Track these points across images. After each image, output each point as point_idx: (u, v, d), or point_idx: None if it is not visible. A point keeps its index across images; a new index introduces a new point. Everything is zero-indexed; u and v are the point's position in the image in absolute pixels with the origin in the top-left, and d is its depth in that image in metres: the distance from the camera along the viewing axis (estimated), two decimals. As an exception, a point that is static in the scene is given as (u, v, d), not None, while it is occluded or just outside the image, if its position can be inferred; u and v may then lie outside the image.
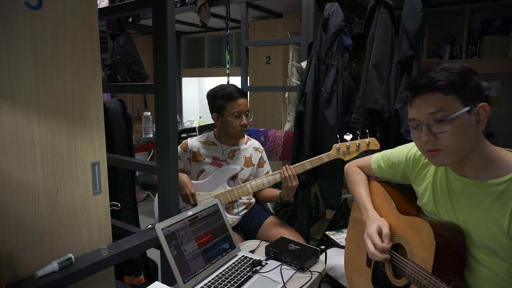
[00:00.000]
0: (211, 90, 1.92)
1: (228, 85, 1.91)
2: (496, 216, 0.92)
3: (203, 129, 2.29)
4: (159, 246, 1.26)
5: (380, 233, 1.13)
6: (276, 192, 1.92)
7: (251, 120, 1.91)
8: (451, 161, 0.98)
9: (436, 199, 1.08)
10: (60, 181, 1.16)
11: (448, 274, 0.95)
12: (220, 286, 1.14)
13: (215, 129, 2.01)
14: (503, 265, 0.93)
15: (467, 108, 0.92)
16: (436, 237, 0.96)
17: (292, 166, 1.78)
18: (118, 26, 3.09)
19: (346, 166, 1.45)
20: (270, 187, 1.92)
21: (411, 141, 1.13)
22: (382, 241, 1.11)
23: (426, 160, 1.12)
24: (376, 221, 1.17)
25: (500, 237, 0.91)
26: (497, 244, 0.92)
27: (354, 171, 1.39)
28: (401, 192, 1.26)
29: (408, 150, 1.20)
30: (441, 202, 1.06)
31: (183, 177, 1.80)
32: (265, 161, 2.05)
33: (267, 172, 2.02)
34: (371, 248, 1.11)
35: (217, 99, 1.86)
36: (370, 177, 1.37)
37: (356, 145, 1.76)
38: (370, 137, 1.77)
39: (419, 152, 1.15)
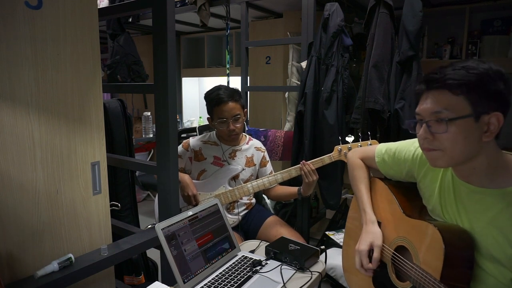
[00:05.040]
0: (205, 93, 1.92)
1: (219, 87, 1.88)
2: (503, 225, 0.90)
3: (203, 129, 2.29)
4: (159, 246, 1.26)
5: (370, 251, 1.14)
6: (293, 189, 1.91)
7: (238, 125, 1.84)
8: (447, 164, 0.97)
9: (443, 203, 1.06)
10: (60, 181, 1.16)
11: (456, 281, 0.94)
12: (220, 286, 1.14)
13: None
14: (506, 274, 0.91)
15: (473, 114, 0.87)
16: (446, 244, 0.93)
17: (310, 161, 1.79)
18: (118, 26, 3.09)
19: (350, 154, 1.41)
20: (282, 183, 1.92)
21: (414, 136, 1.11)
22: (370, 262, 1.13)
23: None
24: (370, 236, 1.17)
25: (505, 247, 0.90)
26: (502, 252, 0.90)
27: (356, 165, 1.35)
28: (405, 193, 1.23)
29: (415, 148, 1.16)
30: (448, 207, 1.04)
31: (185, 177, 1.80)
32: (268, 161, 2.04)
33: (271, 172, 2.02)
34: (358, 264, 1.16)
35: (207, 104, 1.88)
36: (372, 169, 1.34)
37: (358, 147, 1.76)
38: (370, 137, 1.77)
39: None
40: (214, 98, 1.83)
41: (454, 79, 0.87)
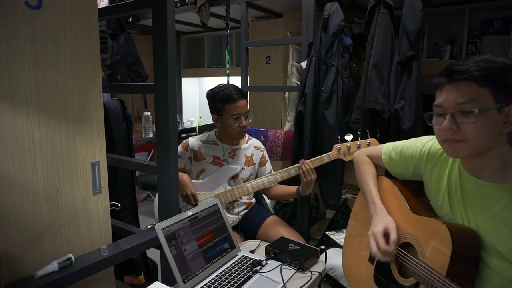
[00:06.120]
0: (210, 91, 1.91)
1: (228, 85, 1.89)
2: (508, 220, 0.91)
3: (203, 129, 2.29)
4: (159, 246, 1.26)
5: (386, 234, 1.11)
6: (292, 189, 1.91)
7: (250, 121, 1.90)
8: (468, 155, 0.96)
9: (451, 199, 1.06)
10: (60, 181, 1.16)
11: (461, 278, 0.94)
12: (220, 286, 1.14)
13: (216, 129, 2.00)
14: (510, 269, 0.92)
15: (497, 105, 0.89)
16: (454, 241, 0.93)
17: (309, 160, 1.79)
18: (118, 26, 3.09)
19: (356, 153, 1.42)
20: (282, 183, 1.93)
21: (413, 136, 1.10)
22: (387, 243, 1.09)
23: (442, 157, 1.10)
24: (383, 220, 1.15)
25: (510, 241, 0.90)
26: (507, 248, 0.91)
27: (363, 161, 1.36)
28: (412, 190, 1.24)
29: (422, 144, 1.16)
30: (455, 203, 1.05)
31: (184, 177, 1.80)
32: (267, 160, 2.05)
33: (270, 172, 2.02)
34: (374, 248, 1.10)
35: (216, 101, 1.86)
36: (379, 167, 1.34)
37: (356, 146, 1.76)
38: (370, 137, 1.77)
39: (433, 148, 1.12)
40: (227, 95, 1.83)
41: (480, 70, 0.89)
